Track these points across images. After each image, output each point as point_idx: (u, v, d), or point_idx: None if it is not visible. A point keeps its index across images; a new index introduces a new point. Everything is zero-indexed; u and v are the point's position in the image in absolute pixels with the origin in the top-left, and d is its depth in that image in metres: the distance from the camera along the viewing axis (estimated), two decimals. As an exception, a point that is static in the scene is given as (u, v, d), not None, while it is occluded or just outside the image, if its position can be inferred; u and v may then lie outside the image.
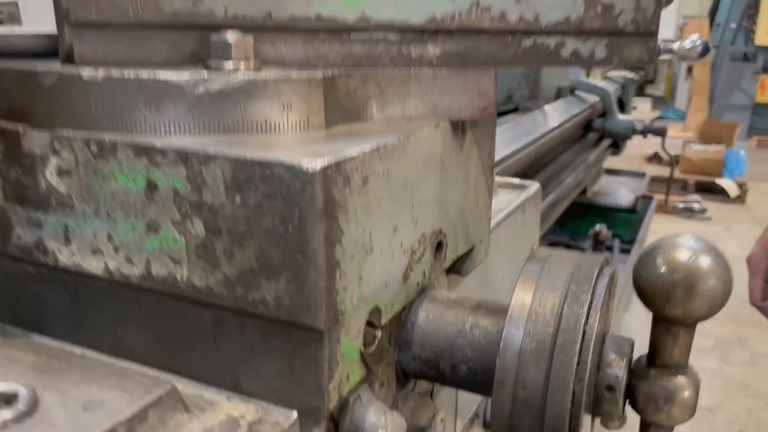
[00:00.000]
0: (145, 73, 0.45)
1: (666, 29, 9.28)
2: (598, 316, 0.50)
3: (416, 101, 0.56)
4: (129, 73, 0.45)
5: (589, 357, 0.49)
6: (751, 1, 8.23)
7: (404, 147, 0.50)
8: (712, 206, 5.78)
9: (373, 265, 0.47)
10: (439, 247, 0.60)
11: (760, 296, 1.23)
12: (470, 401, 0.84)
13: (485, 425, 0.88)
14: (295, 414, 0.45)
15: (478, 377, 0.54)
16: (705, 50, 0.78)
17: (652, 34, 0.60)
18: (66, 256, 0.50)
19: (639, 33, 0.58)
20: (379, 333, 0.50)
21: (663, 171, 5.84)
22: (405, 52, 0.55)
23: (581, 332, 0.49)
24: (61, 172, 0.48)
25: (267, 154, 0.41)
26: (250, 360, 0.46)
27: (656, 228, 3.66)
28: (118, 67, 0.47)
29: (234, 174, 0.42)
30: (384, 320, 0.51)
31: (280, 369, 0.45)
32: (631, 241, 3.32)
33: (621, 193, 3.49)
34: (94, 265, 0.49)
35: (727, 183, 5.98)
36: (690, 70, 9.25)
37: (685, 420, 0.51)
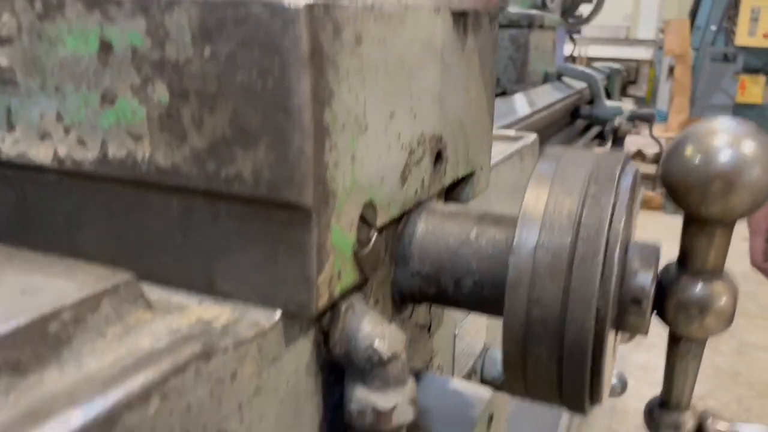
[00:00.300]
0: None
1: (647, 31, 9.32)
2: (622, 221, 0.44)
3: (413, -15, 0.49)
4: None
5: (614, 269, 0.42)
6: (731, 2, 8.28)
7: (401, 20, 0.43)
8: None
9: (367, 147, 0.41)
10: (438, 157, 0.53)
11: (761, 257, 1.18)
12: (467, 353, 0.77)
13: (482, 382, 0.82)
14: (278, 313, 0.38)
15: (485, 291, 0.47)
16: None
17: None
18: (9, 146, 0.43)
19: None
20: (374, 233, 0.44)
21: (647, 168, 5.82)
22: (401, -73, 0.49)
23: (604, 240, 0.43)
24: (2, 41, 0.41)
25: (241, -5, 0.34)
26: (225, 254, 0.39)
27: (642, 223, 3.62)
28: None
29: (202, 19, 0.35)
30: (380, 221, 0.44)
31: (261, 262, 0.38)
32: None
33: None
34: (42, 154, 0.42)
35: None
36: (671, 71, 9.29)
37: (721, 331, 0.45)
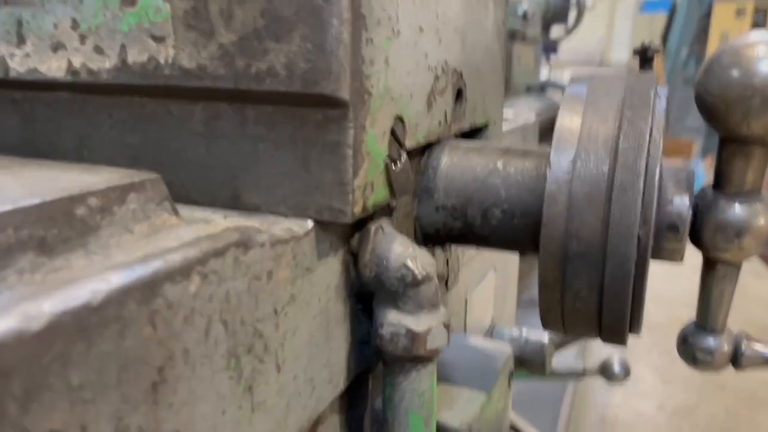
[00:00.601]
0: None
1: (620, 54, 9.49)
2: (660, 146, 0.42)
3: None
4: None
5: (654, 195, 0.41)
6: (700, 26, 8.46)
7: (430, -67, 0.42)
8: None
9: (399, 54, 0.39)
10: (459, 96, 0.52)
11: None
12: (476, 326, 0.75)
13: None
14: (310, 223, 0.36)
15: (515, 220, 0.46)
16: None
17: None
18: (18, 62, 0.40)
19: None
20: (404, 153, 0.42)
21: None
22: None
23: (644, 166, 0.41)
24: (13, -54, 0.39)
25: None
26: (252, 164, 0.37)
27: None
28: None
29: None
30: (408, 143, 0.42)
31: (292, 169, 0.36)
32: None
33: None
34: (54, 66, 0.39)
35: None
36: (645, 93, 9.44)
37: (758, 252, 0.43)
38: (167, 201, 0.34)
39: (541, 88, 2.94)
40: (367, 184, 0.37)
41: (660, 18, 9.40)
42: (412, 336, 0.40)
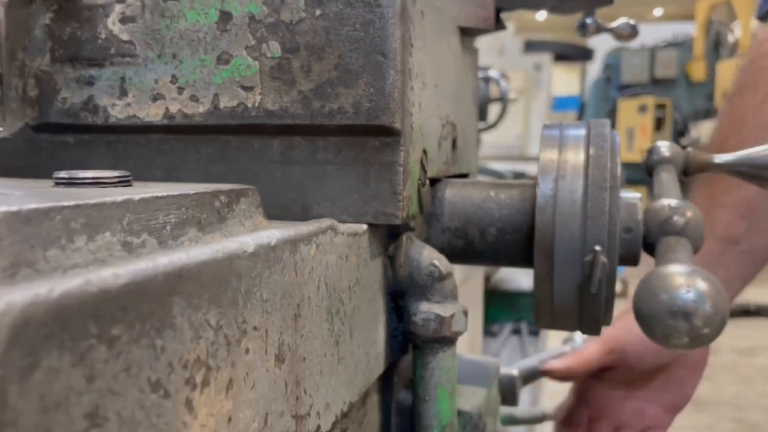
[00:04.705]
0: None
1: (536, 148, 10.04)
2: (618, 169, 0.55)
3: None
4: None
5: (617, 203, 0.53)
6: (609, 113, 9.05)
7: (439, 10, 0.56)
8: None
9: (425, 101, 0.51)
10: (454, 144, 0.64)
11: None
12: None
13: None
14: (365, 226, 0.47)
15: (507, 236, 0.58)
16: (634, 30, 0.90)
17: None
18: (119, 110, 0.51)
19: (602, -28, 0.69)
20: (426, 179, 0.54)
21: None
22: (421, -41, 0.63)
23: (608, 183, 0.53)
24: (124, 20, 0.50)
25: (346, -31, 0.45)
26: (321, 182, 0.48)
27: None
28: (186, -77, 0.50)
29: (315, -12, 0.46)
30: (429, 172, 0.54)
31: (354, 184, 0.47)
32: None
33: (523, 278, 3.65)
34: (152, 113, 0.50)
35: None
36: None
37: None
38: (262, 207, 0.44)
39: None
40: (409, 196, 0.49)
41: (570, 116, 10.06)
42: (440, 320, 0.51)
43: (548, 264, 0.53)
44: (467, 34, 0.68)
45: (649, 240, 0.56)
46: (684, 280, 0.45)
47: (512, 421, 1.06)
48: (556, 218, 0.52)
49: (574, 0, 0.71)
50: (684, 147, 0.65)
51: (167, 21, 0.49)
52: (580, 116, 9.34)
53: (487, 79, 3.26)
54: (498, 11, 0.75)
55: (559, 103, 11.20)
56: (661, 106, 8.01)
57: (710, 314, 0.44)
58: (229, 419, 0.29)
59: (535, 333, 3.39)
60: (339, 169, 0.48)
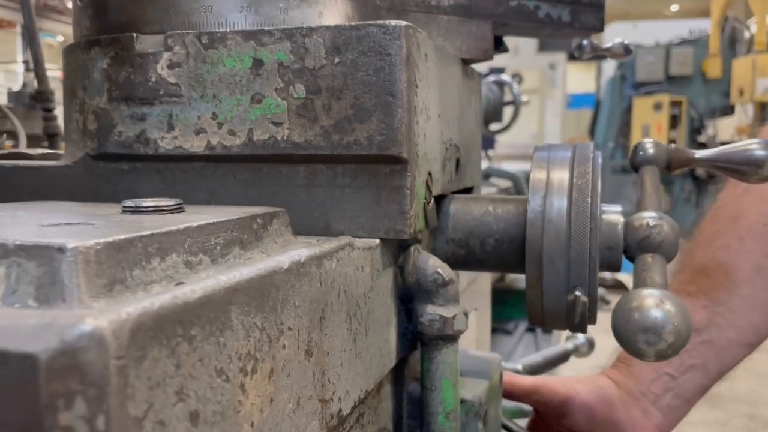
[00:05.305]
0: (251, -21, 0.58)
1: (552, 148, 10.06)
2: (599, 186, 0.63)
3: (436, 41, 0.70)
4: (235, -18, 0.58)
5: (598, 213, 0.61)
6: (623, 120, 9.08)
7: (441, 50, 0.64)
8: (614, 298, 6.14)
9: (429, 131, 0.59)
10: (458, 164, 0.72)
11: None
12: (465, 345, 0.93)
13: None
14: (377, 240, 0.55)
15: (504, 247, 0.66)
16: (627, 50, 0.98)
17: (601, 6, 0.78)
18: (167, 142, 0.59)
19: (592, 4, 0.77)
20: (432, 199, 0.62)
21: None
22: (426, 1, 0.71)
23: (590, 197, 0.61)
24: (171, 65, 0.58)
25: (359, 23, 0.54)
26: (340, 203, 0.56)
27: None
28: (223, -19, 0.59)
29: (333, 39, 0.54)
30: (434, 191, 0.62)
31: (368, 204, 0.56)
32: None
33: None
34: (195, 145, 0.58)
35: (624, 277, 6.41)
36: (577, 183, 9.91)
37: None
38: (290, 225, 0.53)
39: (486, 176, 3.23)
40: (415, 215, 0.57)
41: (586, 113, 10.07)
42: (444, 321, 0.59)
43: (538, 271, 0.61)
44: (468, 62, 0.76)
45: (629, 254, 0.64)
46: (653, 301, 0.53)
47: (520, 414, 1.14)
48: (544, 231, 0.60)
49: (567, 29, 0.79)
50: (672, 142, 0.72)
51: (208, 66, 0.57)
52: (596, 114, 9.36)
53: (500, 83, 3.34)
54: (498, 38, 0.83)
55: (576, 101, 11.22)
56: (676, 104, 8.02)
57: (674, 331, 0.51)
58: (271, 400, 0.38)
59: (548, 331, 3.46)
60: (355, 192, 0.56)
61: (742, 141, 0.69)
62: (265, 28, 0.56)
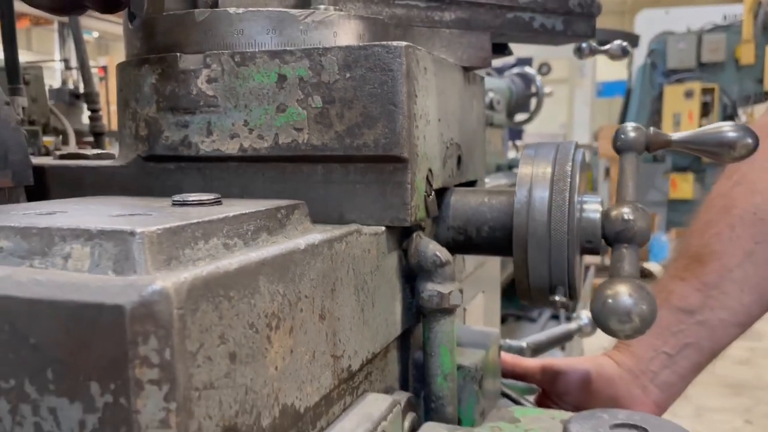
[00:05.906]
0: (275, 5, 0.68)
1: (581, 137, 10.04)
2: (577, 180, 0.72)
3: (439, 51, 0.80)
4: (261, 8, 0.68)
5: (575, 203, 0.70)
6: (654, 108, 9.02)
7: (441, 62, 0.73)
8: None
9: (429, 133, 0.69)
10: (459, 160, 0.82)
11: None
12: (474, 324, 1.03)
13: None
14: (383, 228, 0.65)
15: (496, 234, 0.75)
16: (625, 52, 1.06)
17: (593, 15, 0.87)
18: (207, 145, 0.70)
19: (583, 13, 0.85)
20: (432, 192, 0.72)
21: (593, 260, 6.22)
22: (429, 16, 0.80)
23: (568, 189, 0.71)
24: (209, 80, 0.69)
25: (366, 44, 0.64)
26: (352, 196, 0.67)
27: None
28: (250, 6, 0.69)
29: (345, 57, 0.64)
30: (435, 185, 0.72)
31: (375, 197, 0.66)
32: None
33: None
34: (230, 147, 0.69)
35: (654, 266, 6.42)
36: (607, 172, 9.89)
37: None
38: (309, 216, 0.63)
39: (509, 167, 3.31)
40: (416, 206, 0.67)
41: (616, 101, 10.00)
42: (441, 296, 0.69)
43: (524, 253, 0.70)
44: (470, 69, 0.85)
45: (607, 242, 0.73)
46: (625, 290, 0.63)
47: (528, 391, 1.23)
48: (529, 218, 0.70)
49: (561, 37, 0.88)
50: (649, 127, 0.79)
51: (241, 81, 0.68)
52: (627, 102, 9.30)
53: (524, 76, 3.41)
54: (503, 44, 0.92)
55: (606, 89, 11.16)
56: (708, 91, 7.95)
57: (641, 314, 0.62)
58: (291, 351, 0.48)
59: (569, 317, 3.53)
60: (365, 187, 0.66)
61: (716, 123, 0.76)
62: (288, 48, 0.66)
